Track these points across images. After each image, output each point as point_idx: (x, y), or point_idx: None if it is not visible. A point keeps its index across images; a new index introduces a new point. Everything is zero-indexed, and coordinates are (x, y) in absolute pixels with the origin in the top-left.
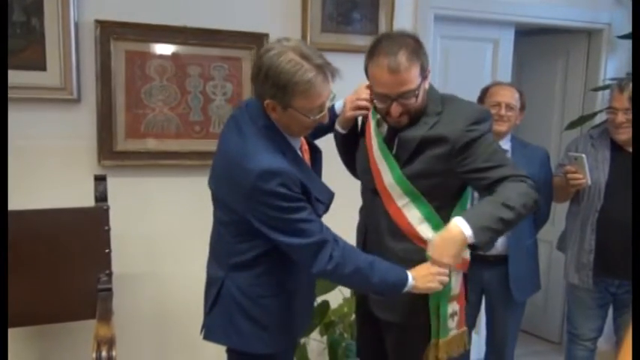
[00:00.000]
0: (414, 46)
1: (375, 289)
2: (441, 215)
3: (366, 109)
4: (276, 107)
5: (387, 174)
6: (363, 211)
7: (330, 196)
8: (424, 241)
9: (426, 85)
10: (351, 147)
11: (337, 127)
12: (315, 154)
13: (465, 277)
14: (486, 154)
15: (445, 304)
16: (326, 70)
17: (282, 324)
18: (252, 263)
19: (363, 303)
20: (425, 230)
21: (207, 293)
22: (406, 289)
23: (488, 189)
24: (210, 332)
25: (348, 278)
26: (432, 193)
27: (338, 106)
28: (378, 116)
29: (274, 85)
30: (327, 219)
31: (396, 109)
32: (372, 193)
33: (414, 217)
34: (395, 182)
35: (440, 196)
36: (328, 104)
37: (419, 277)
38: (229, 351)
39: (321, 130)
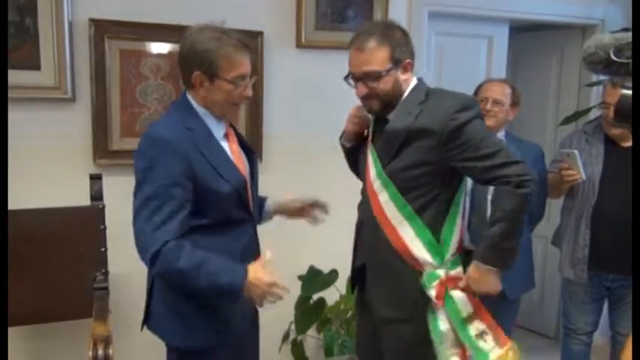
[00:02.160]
0: (392, 33)
1: (206, 292)
2: (439, 204)
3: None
4: (204, 81)
5: (371, 169)
6: (360, 207)
7: (239, 179)
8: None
9: (402, 76)
10: (357, 159)
11: (342, 141)
12: (250, 154)
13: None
14: (475, 140)
15: (463, 328)
16: (244, 44)
17: (209, 318)
18: None
19: (361, 298)
20: (405, 229)
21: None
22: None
23: (480, 179)
24: (147, 323)
25: (174, 278)
26: (425, 183)
27: None
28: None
29: (199, 55)
30: (329, 219)
31: (360, 89)
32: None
33: (391, 213)
34: (376, 176)
35: (437, 184)
36: (250, 82)
37: (252, 284)
38: (167, 345)
39: None
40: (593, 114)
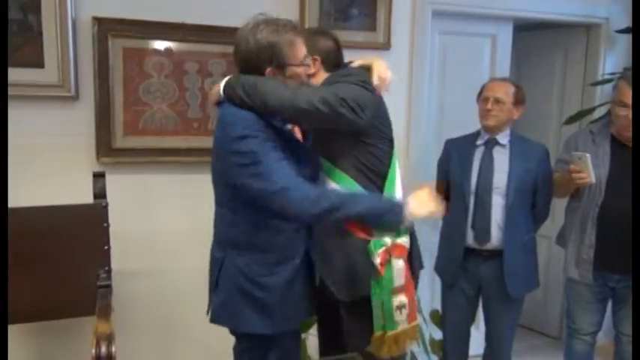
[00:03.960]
0: (316, 34)
1: (371, 215)
2: (366, 168)
3: None
4: (276, 72)
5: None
6: None
7: (314, 164)
8: None
9: (310, 69)
10: None
11: None
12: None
13: (410, 266)
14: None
15: (389, 298)
16: (296, 27)
17: (283, 304)
18: (248, 239)
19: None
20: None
21: (210, 274)
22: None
23: None
24: (214, 315)
25: (338, 212)
26: (335, 150)
27: None
28: None
29: (267, 51)
30: None
31: None
32: None
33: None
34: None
35: (344, 146)
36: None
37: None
38: (234, 332)
39: None
40: (598, 113)
